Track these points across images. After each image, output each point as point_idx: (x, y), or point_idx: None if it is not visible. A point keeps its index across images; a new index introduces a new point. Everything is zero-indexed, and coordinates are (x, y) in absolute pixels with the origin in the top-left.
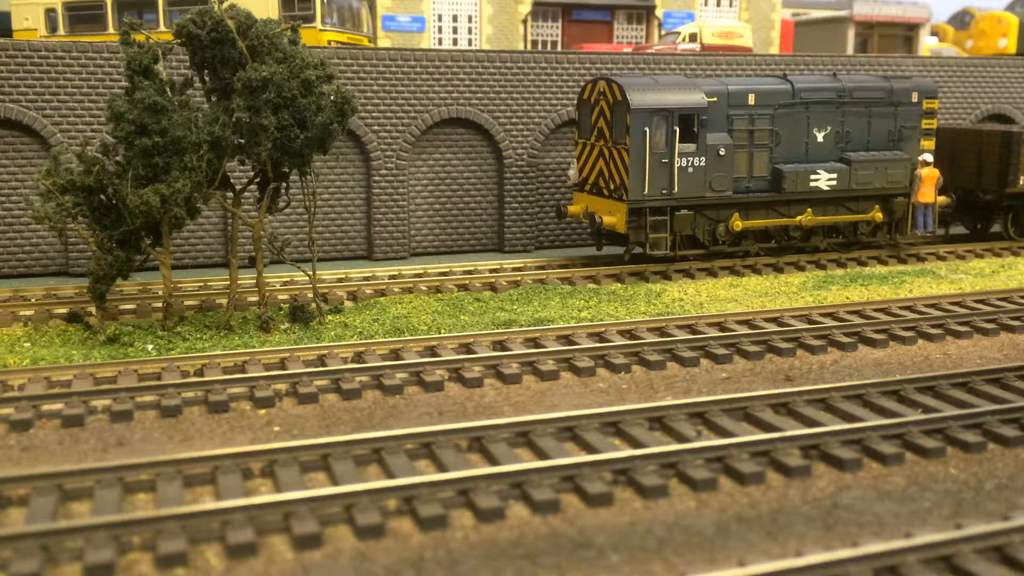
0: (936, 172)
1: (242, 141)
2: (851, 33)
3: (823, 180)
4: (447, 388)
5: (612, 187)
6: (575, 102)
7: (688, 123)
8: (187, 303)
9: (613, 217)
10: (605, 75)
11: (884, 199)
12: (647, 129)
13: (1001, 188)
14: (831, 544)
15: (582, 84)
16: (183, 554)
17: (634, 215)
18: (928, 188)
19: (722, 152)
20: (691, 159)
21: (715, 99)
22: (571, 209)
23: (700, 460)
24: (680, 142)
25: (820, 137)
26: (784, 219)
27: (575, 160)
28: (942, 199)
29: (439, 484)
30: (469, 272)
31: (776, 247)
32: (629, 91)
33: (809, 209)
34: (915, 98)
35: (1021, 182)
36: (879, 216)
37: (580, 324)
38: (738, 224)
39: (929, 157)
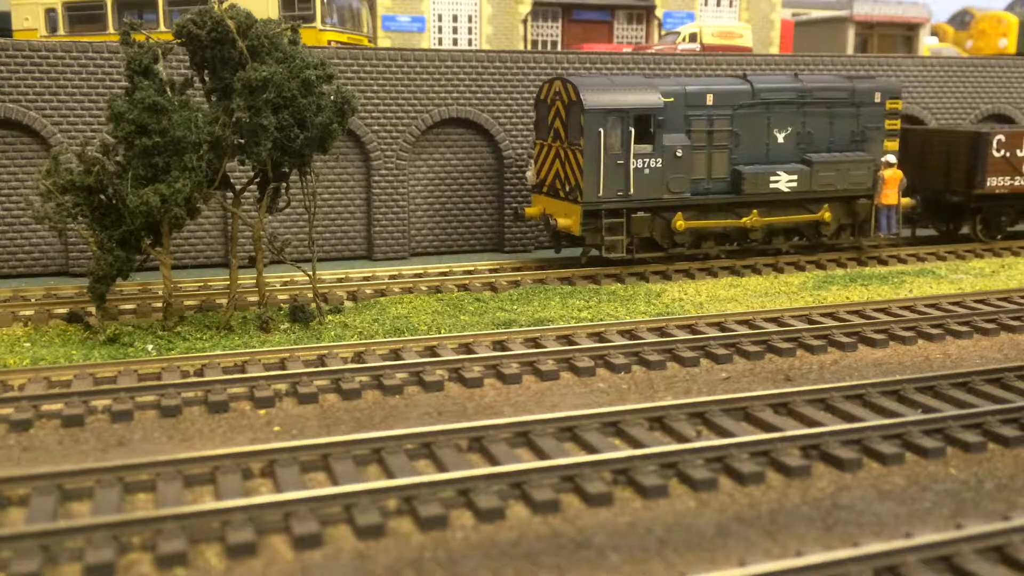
0: (899, 173)
1: (242, 141)
2: (851, 33)
3: (783, 181)
4: (447, 388)
5: (567, 189)
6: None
7: (644, 124)
8: (187, 303)
9: (568, 219)
10: (560, 75)
11: (846, 201)
12: (601, 130)
13: (969, 189)
14: (831, 544)
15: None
16: (183, 554)
17: (589, 217)
18: (891, 190)
19: (679, 153)
20: (647, 160)
21: (672, 99)
22: (529, 211)
23: (700, 460)
24: (636, 143)
25: (781, 138)
26: (730, 220)
27: (532, 161)
28: (906, 201)
29: (439, 484)
30: (469, 272)
31: (737, 249)
32: (583, 91)
33: (755, 211)
34: (878, 98)
35: (989, 183)
36: (827, 216)
37: (580, 324)
38: (680, 224)
39: (892, 158)
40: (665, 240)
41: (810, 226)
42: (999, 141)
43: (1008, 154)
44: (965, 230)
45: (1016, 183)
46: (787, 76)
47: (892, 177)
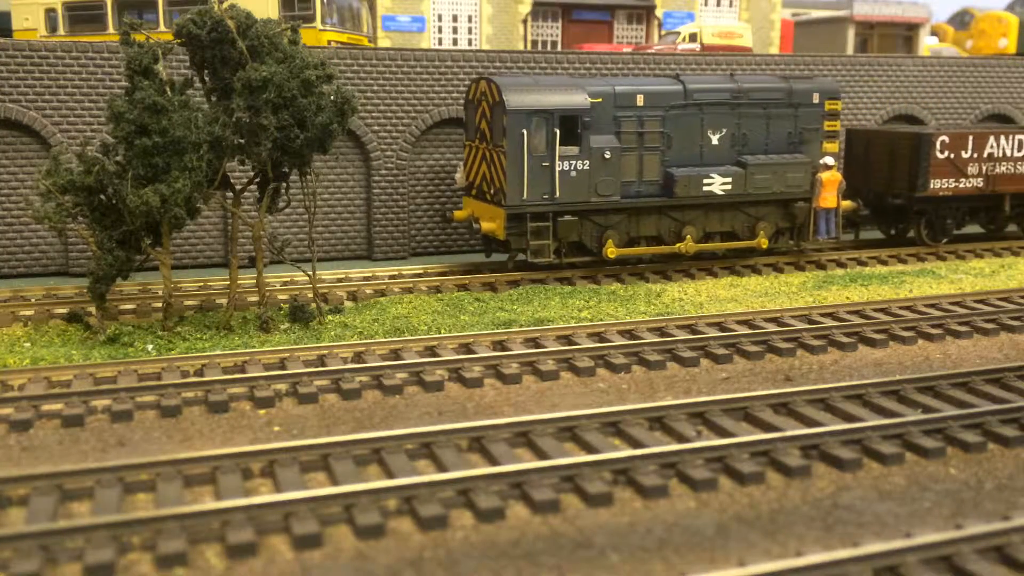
0: (838, 176)
1: (242, 141)
2: (851, 33)
3: (717, 184)
4: (447, 388)
5: (492, 192)
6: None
7: (570, 125)
8: (187, 303)
9: (493, 223)
10: (485, 75)
11: (783, 204)
12: (524, 131)
13: (911, 192)
14: (831, 544)
15: (468, 84)
16: (183, 554)
17: (514, 221)
18: (830, 192)
19: (608, 155)
20: (574, 163)
21: (600, 100)
22: (458, 214)
23: (700, 460)
24: (561, 145)
25: (715, 139)
26: (663, 247)
27: (462, 163)
28: (847, 204)
29: (439, 484)
30: (469, 272)
31: (671, 255)
32: (506, 91)
33: (689, 236)
34: (816, 99)
35: (932, 185)
36: (764, 243)
37: (580, 324)
38: (612, 252)
39: (830, 160)
40: (595, 244)
41: (747, 230)
42: (943, 142)
43: (952, 155)
44: (912, 233)
45: (961, 185)
46: (722, 76)
47: (830, 179)
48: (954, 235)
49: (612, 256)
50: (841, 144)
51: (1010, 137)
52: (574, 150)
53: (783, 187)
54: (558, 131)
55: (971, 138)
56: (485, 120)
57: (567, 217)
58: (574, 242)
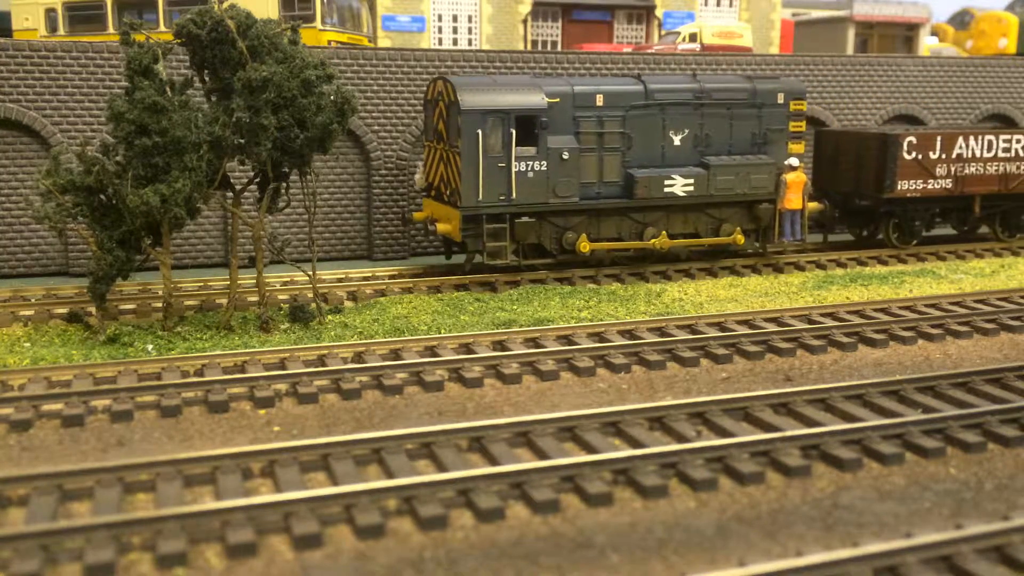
0: (803, 177)
1: (242, 141)
2: (851, 33)
3: (679, 186)
4: (447, 388)
5: (449, 193)
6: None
7: (527, 125)
8: (187, 303)
9: (449, 224)
10: (443, 74)
11: (747, 205)
12: (480, 131)
13: (879, 193)
14: (831, 544)
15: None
16: (183, 554)
17: (470, 222)
18: (795, 194)
19: (566, 156)
20: (531, 163)
21: (558, 100)
22: (417, 216)
23: (700, 460)
24: (518, 145)
25: (677, 140)
26: (638, 243)
27: (421, 164)
28: (813, 205)
29: (439, 484)
30: (469, 272)
31: (634, 257)
32: (461, 91)
33: (664, 232)
34: (781, 99)
35: (899, 187)
36: (740, 240)
37: (580, 324)
38: (585, 246)
39: (795, 161)
40: (555, 246)
41: (712, 232)
42: (910, 143)
43: (920, 156)
44: (881, 235)
45: (929, 187)
46: (684, 76)
47: (795, 181)
48: (923, 237)
49: (585, 250)
50: (809, 145)
51: (979, 137)
52: (531, 151)
53: (747, 188)
54: (515, 131)
55: (939, 139)
56: (442, 120)
57: (524, 219)
58: (533, 244)
